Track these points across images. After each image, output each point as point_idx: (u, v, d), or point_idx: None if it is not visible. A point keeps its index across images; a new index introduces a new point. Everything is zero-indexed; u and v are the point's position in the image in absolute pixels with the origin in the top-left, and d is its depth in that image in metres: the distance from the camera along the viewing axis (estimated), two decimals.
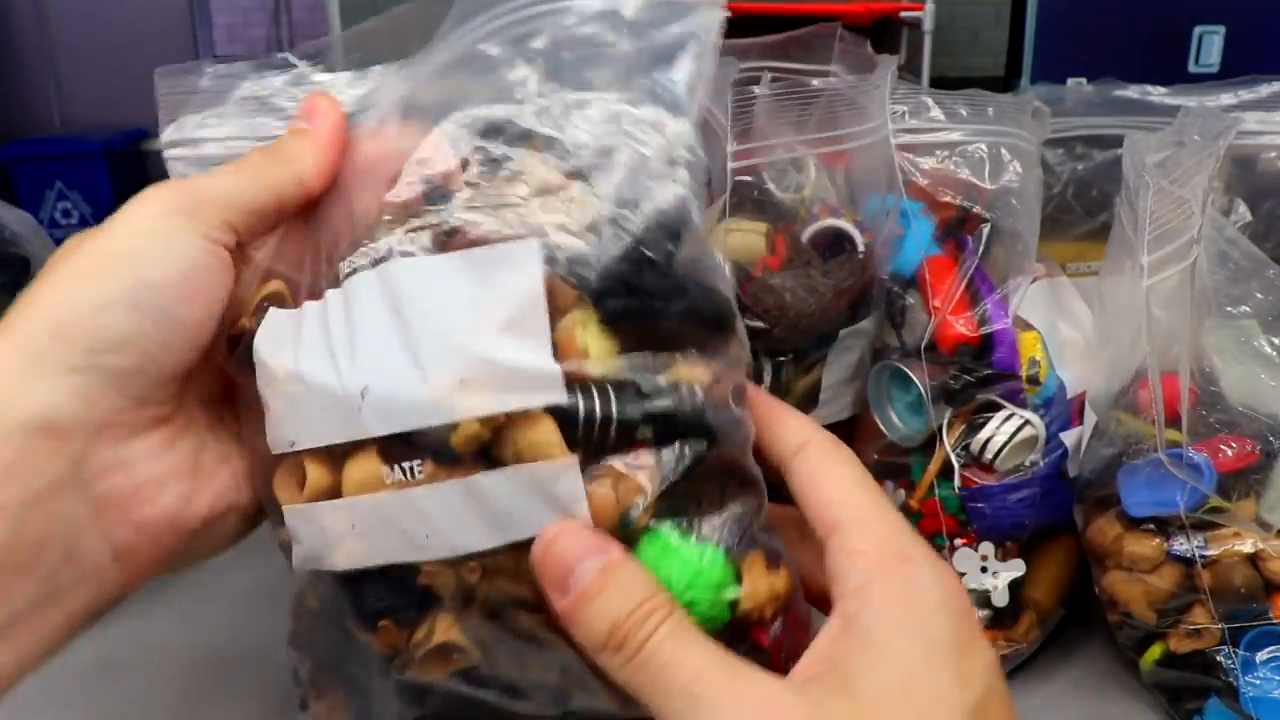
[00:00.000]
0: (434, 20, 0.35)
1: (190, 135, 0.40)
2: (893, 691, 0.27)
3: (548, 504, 0.29)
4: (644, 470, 0.30)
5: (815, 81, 0.53)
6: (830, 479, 0.32)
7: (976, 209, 0.52)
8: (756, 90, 0.52)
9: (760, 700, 0.27)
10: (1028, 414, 0.50)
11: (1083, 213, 0.63)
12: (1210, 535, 0.46)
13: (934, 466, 0.51)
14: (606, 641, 0.28)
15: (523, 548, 0.30)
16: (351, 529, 0.32)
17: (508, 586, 0.31)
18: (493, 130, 0.32)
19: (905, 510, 0.51)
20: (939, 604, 0.29)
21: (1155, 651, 0.48)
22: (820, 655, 0.28)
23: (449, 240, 0.31)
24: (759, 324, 0.49)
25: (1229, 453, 0.46)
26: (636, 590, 0.29)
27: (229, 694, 0.51)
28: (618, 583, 0.29)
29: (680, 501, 0.31)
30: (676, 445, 0.30)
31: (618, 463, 0.30)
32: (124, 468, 0.32)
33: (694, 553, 0.31)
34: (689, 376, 0.31)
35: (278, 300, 0.35)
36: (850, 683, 0.27)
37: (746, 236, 0.50)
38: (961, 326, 0.50)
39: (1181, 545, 0.46)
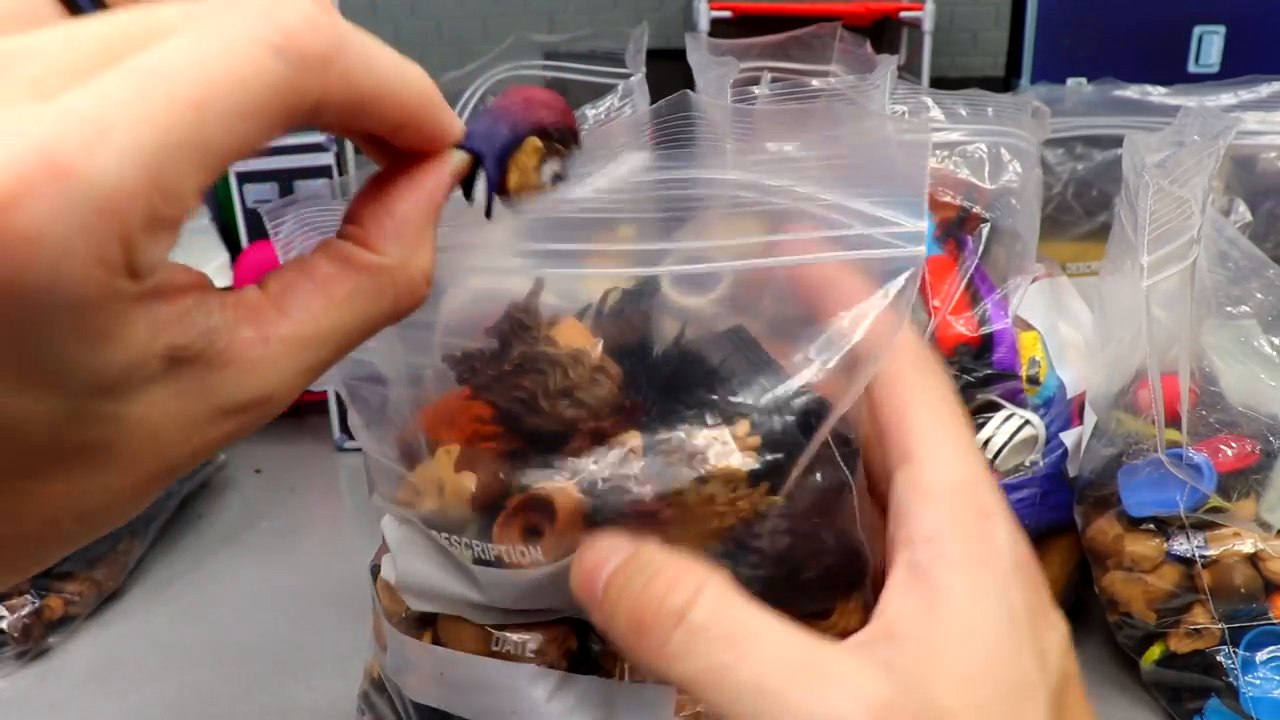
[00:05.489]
0: None
1: None
2: (980, 672, 0.23)
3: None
4: None
5: (815, 81, 0.54)
6: (914, 398, 0.27)
7: (976, 209, 0.52)
8: (756, 90, 0.52)
9: (853, 692, 0.22)
10: (1028, 414, 0.50)
11: (1083, 213, 0.63)
12: (1210, 535, 0.46)
13: None
14: (635, 635, 0.24)
15: None
16: (439, 676, 0.32)
17: None
18: None
19: None
20: (1014, 569, 0.25)
21: (1155, 651, 0.48)
22: (896, 615, 0.25)
23: None
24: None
25: (1229, 453, 0.46)
26: (657, 562, 0.25)
27: (230, 694, 0.51)
28: (637, 561, 0.25)
29: None
30: None
31: None
32: None
33: None
34: None
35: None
36: (936, 659, 0.23)
37: None
38: (961, 326, 0.50)
39: (1181, 545, 0.46)
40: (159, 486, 0.21)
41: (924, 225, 0.25)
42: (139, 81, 0.17)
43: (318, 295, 0.21)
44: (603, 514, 0.27)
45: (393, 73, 0.21)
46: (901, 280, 0.26)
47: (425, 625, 0.33)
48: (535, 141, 0.25)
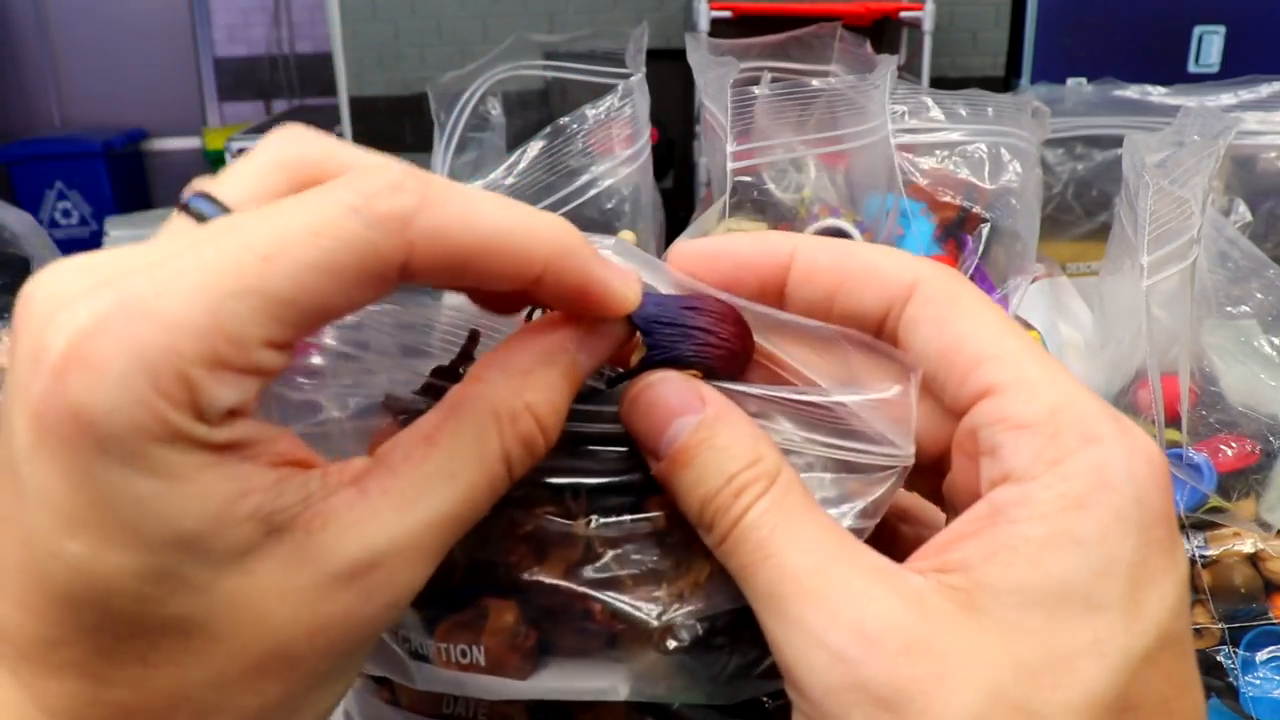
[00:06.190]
0: None
1: None
2: (1030, 635, 0.20)
3: None
4: None
5: (815, 81, 0.54)
6: (970, 326, 0.24)
7: (976, 209, 0.52)
8: (756, 90, 0.52)
9: (856, 619, 0.20)
10: None
11: (1083, 213, 0.63)
12: (1210, 535, 0.46)
13: None
14: (699, 520, 0.23)
15: None
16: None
17: None
18: None
19: None
20: (1125, 508, 0.21)
21: None
22: (958, 549, 0.22)
23: None
24: None
25: (1229, 453, 0.46)
26: (732, 456, 0.23)
27: None
28: (712, 446, 0.23)
29: None
30: None
31: None
32: None
33: None
34: None
35: None
36: (978, 603, 0.21)
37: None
38: None
39: None
40: (278, 677, 0.20)
41: (912, 450, 0.24)
42: (219, 239, 0.18)
43: (418, 443, 0.21)
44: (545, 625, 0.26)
45: (498, 226, 0.20)
46: (886, 486, 0.25)
47: (382, 682, 0.32)
48: (697, 373, 0.24)
